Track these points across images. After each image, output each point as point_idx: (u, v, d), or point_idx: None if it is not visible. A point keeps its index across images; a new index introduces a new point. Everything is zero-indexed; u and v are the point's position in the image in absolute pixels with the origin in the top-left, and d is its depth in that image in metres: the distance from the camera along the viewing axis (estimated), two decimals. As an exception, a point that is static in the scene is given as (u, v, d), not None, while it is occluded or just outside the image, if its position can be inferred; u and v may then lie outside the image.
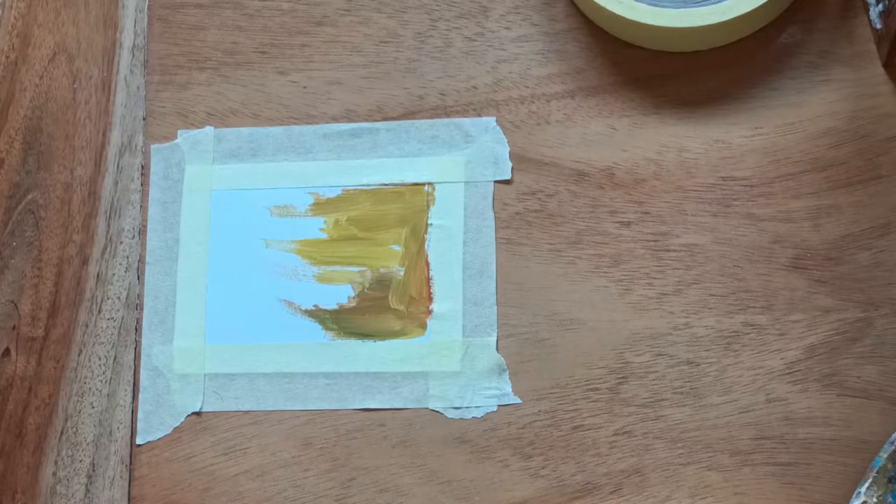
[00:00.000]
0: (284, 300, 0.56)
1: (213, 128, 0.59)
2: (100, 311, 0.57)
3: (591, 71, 0.57)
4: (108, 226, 0.59)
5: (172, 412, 0.56)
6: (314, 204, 0.57)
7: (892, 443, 0.49)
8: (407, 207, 0.57)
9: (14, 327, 0.58)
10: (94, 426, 0.56)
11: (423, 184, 0.57)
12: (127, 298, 0.58)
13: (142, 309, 0.57)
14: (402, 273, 0.56)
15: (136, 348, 0.57)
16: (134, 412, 0.56)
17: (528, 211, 0.56)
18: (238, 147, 0.58)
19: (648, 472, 0.52)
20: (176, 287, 0.57)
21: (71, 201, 0.59)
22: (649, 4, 0.54)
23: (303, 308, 0.56)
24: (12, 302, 0.58)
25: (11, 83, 0.61)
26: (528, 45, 0.57)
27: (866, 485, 0.49)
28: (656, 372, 0.53)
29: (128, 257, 0.58)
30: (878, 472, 0.49)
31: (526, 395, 0.54)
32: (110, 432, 0.56)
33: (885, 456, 0.49)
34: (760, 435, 0.52)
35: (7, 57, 0.61)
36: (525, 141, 0.56)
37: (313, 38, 0.59)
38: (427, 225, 0.56)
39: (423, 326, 0.55)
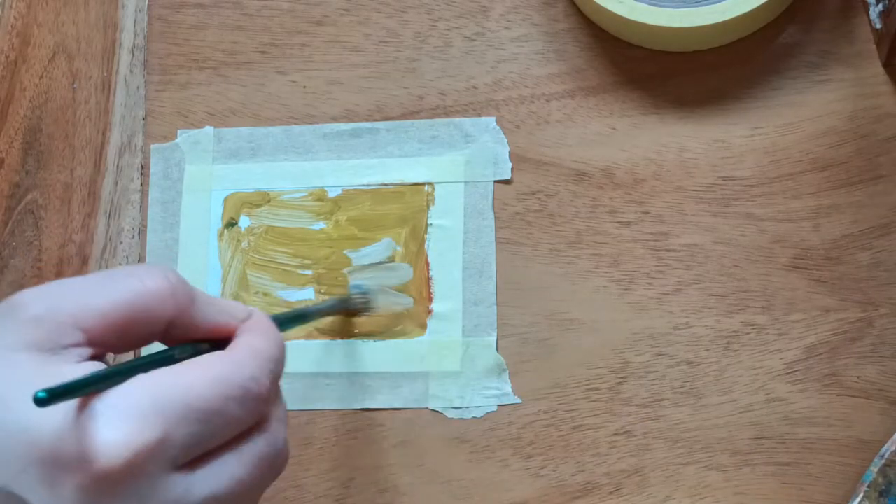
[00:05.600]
0: (284, 300, 0.56)
1: (212, 127, 0.59)
2: (100, 311, 0.57)
3: (591, 71, 0.57)
4: (108, 226, 0.59)
5: (172, 412, 0.56)
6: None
7: (882, 456, 0.49)
8: (407, 207, 0.57)
9: (14, 327, 0.58)
10: (94, 426, 0.56)
11: (423, 184, 0.57)
12: (127, 298, 0.57)
13: (142, 309, 0.57)
14: (402, 273, 0.56)
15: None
16: (134, 412, 0.56)
17: (528, 211, 0.56)
18: (238, 147, 0.58)
19: (648, 472, 0.52)
20: (176, 287, 0.57)
21: (71, 201, 0.59)
22: (649, 4, 0.54)
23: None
24: (12, 302, 0.58)
25: (11, 83, 0.61)
26: (528, 45, 0.57)
27: (857, 500, 0.48)
28: (656, 372, 0.53)
29: (128, 257, 0.58)
30: (868, 487, 0.49)
31: (526, 395, 0.54)
32: (110, 432, 0.56)
33: (875, 470, 0.49)
34: (760, 435, 0.52)
35: (7, 57, 0.61)
36: (525, 141, 0.56)
37: (313, 38, 0.59)
38: (427, 225, 0.56)
39: (423, 326, 0.55)
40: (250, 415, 0.38)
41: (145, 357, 0.37)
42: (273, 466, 0.39)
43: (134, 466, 0.34)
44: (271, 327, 0.41)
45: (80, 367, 0.36)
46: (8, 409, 0.34)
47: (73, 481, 0.34)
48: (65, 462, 0.34)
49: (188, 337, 0.39)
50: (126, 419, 0.34)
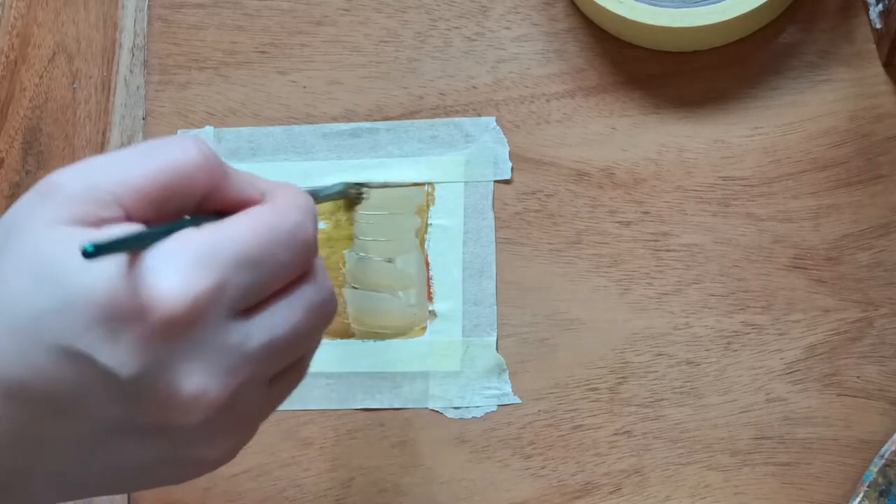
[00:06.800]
0: (284, 300, 0.56)
1: (212, 128, 0.59)
2: (100, 311, 0.57)
3: (591, 71, 0.57)
4: (108, 226, 0.58)
5: (172, 412, 0.56)
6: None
7: (882, 456, 0.49)
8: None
9: (14, 327, 0.58)
10: (94, 426, 0.56)
11: (423, 184, 0.57)
12: (127, 298, 0.57)
13: (142, 309, 0.57)
14: (402, 273, 0.56)
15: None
16: (134, 412, 0.56)
17: (528, 211, 0.56)
18: (238, 147, 0.58)
19: (648, 472, 0.52)
20: (176, 287, 0.57)
21: (71, 201, 0.59)
22: (649, 4, 0.54)
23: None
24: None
25: (11, 83, 0.61)
26: (528, 44, 0.57)
27: (857, 500, 0.48)
28: (656, 372, 0.53)
29: (128, 257, 0.58)
30: (868, 487, 0.49)
31: (526, 394, 0.54)
32: (110, 432, 0.56)
33: (875, 470, 0.49)
34: (760, 435, 0.52)
35: (7, 57, 0.61)
36: (525, 141, 0.56)
37: (313, 38, 0.59)
38: (427, 225, 0.56)
39: (423, 326, 0.55)
40: (299, 261, 0.38)
41: (187, 219, 0.38)
42: (323, 314, 0.40)
43: (194, 313, 0.35)
44: (300, 189, 0.42)
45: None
46: (65, 271, 0.35)
47: (134, 333, 0.35)
48: (124, 315, 0.34)
49: (220, 208, 0.39)
50: (183, 267, 0.35)
